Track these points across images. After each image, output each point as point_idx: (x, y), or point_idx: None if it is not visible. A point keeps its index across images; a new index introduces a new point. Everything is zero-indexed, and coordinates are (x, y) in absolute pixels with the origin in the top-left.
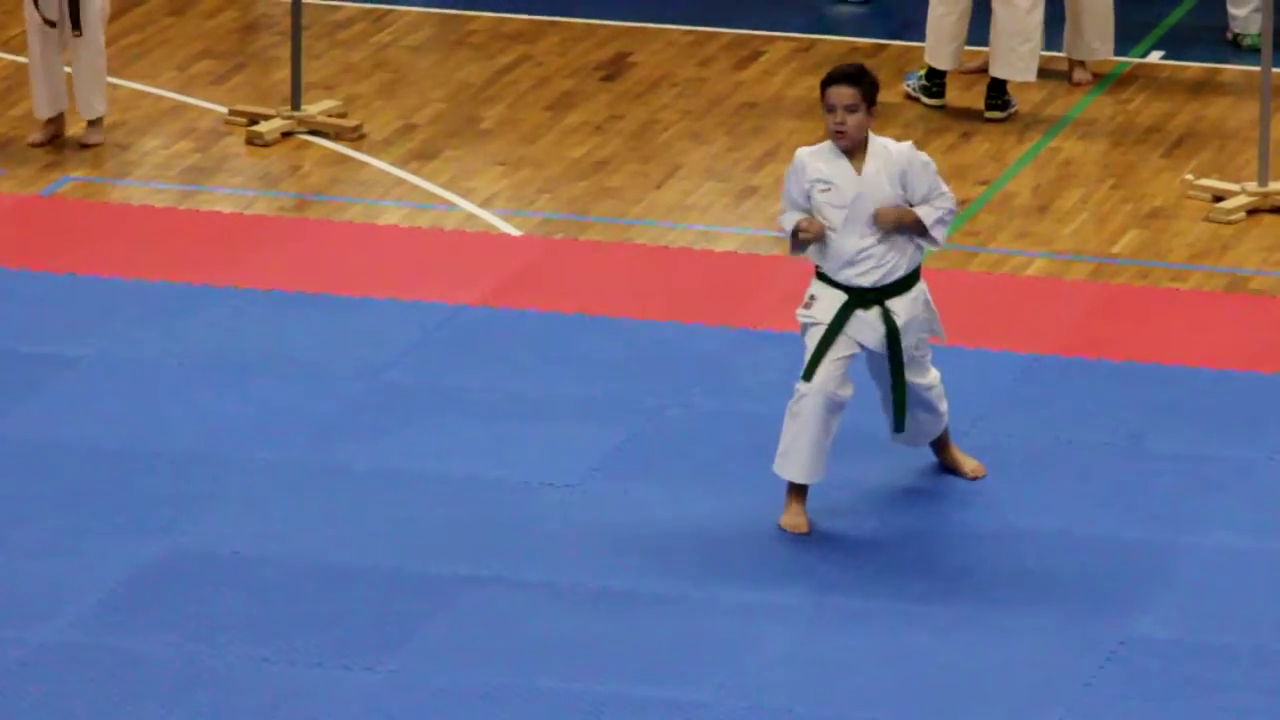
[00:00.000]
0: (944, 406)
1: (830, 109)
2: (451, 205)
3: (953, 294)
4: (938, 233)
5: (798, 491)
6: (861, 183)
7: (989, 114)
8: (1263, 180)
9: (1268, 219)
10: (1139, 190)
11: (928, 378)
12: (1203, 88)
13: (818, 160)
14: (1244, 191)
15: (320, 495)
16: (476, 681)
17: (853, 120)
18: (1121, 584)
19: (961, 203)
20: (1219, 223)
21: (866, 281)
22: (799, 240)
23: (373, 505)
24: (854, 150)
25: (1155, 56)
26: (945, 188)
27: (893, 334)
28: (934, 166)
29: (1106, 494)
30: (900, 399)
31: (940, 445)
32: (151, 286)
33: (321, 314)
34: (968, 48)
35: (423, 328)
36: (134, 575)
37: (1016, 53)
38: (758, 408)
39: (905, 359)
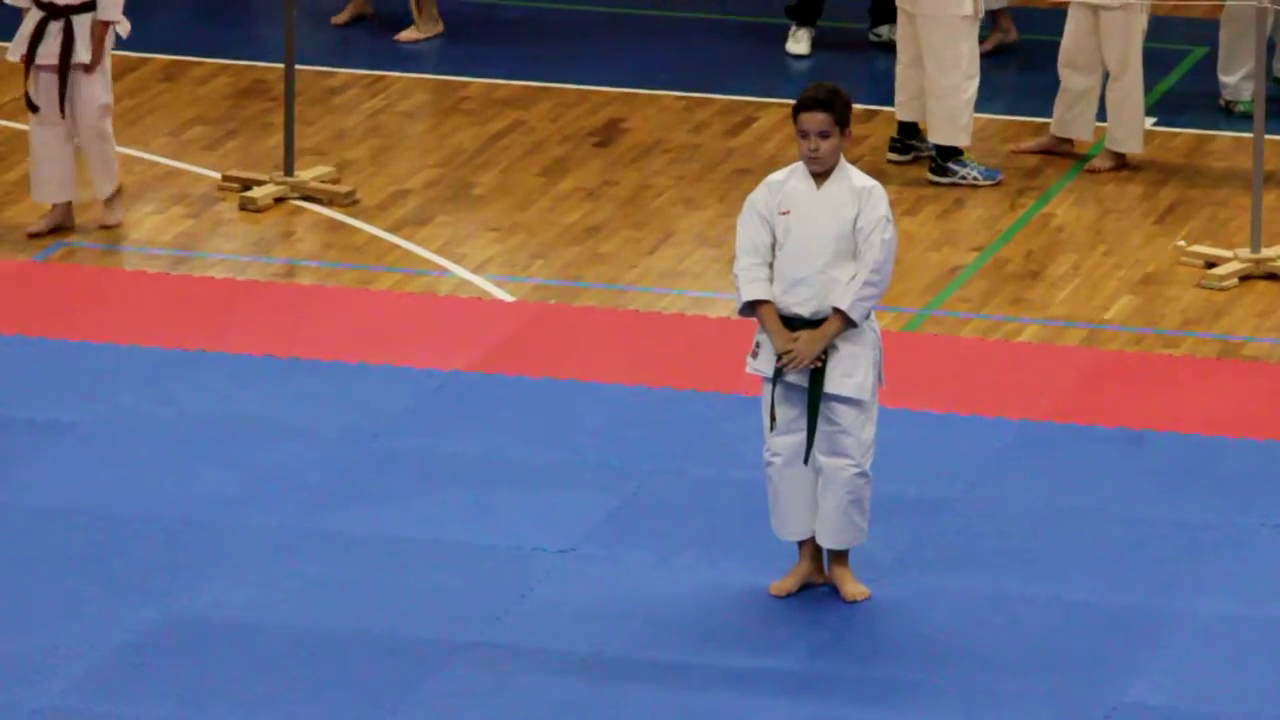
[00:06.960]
0: (863, 520)
1: (803, 135)
2: (444, 271)
3: (946, 360)
4: (856, 312)
5: (803, 551)
6: (818, 202)
7: (889, 156)
8: (1255, 246)
9: (1260, 285)
10: (1131, 256)
11: (858, 459)
12: (1195, 154)
13: (785, 185)
14: (1236, 258)
15: (313, 561)
16: None
17: (826, 145)
18: (1114, 650)
19: (954, 269)
20: (1212, 289)
21: (805, 311)
22: (751, 306)
23: (365, 571)
24: (823, 174)
25: (1148, 123)
26: (880, 256)
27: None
28: (889, 234)
29: (1099, 560)
30: (811, 421)
31: (835, 555)
32: (145, 352)
33: (314, 380)
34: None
35: (416, 393)
36: (127, 641)
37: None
38: (750, 474)
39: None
